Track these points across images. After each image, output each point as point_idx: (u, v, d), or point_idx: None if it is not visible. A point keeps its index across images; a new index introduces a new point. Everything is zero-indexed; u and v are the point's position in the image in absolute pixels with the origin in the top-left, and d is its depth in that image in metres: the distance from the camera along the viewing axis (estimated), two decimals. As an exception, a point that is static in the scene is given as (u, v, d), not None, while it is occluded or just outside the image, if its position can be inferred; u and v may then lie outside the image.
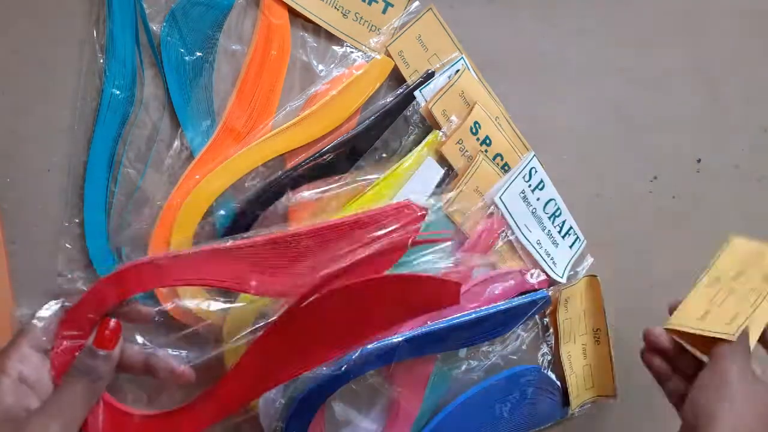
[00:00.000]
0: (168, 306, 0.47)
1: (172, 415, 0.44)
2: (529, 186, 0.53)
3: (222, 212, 0.49)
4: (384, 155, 0.52)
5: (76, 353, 0.40)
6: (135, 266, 0.41)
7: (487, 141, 0.52)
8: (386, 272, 0.44)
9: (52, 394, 0.38)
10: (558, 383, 0.57)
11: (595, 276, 0.56)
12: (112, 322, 0.40)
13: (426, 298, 0.46)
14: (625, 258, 0.59)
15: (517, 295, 0.53)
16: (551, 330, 0.57)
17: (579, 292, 0.56)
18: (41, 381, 0.39)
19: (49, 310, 0.41)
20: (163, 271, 0.41)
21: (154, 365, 0.43)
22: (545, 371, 0.57)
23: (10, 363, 0.37)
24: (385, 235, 0.43)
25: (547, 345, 0.57)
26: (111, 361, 0.40)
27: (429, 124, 0.52)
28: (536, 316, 0.56)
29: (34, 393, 0.38)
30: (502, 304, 0.52)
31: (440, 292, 0.46)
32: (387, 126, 0.51)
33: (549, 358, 0.57)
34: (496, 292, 0.53)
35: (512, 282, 0.53)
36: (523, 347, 0.56)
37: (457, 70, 0.52)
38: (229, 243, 0.42)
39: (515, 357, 0.56)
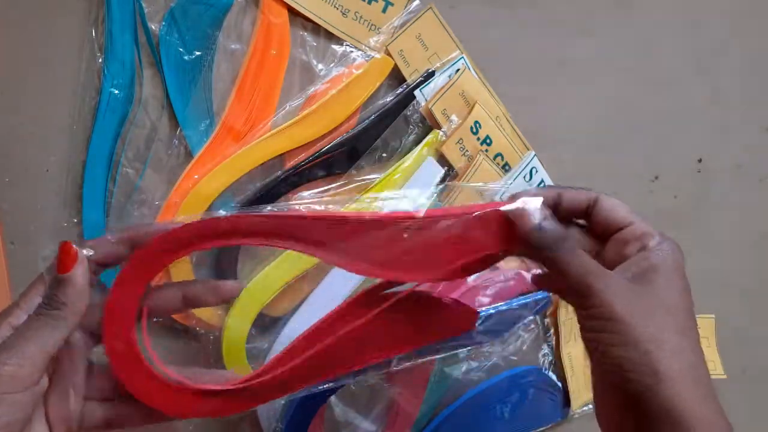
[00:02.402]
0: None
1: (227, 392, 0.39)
2: (530, 185, 0.53)
3: (221, 212, 0.49)
4: (384, 155, 0.52)
5: None
6: (217, 220, 0.36)
7: (488, 140, 0.52)
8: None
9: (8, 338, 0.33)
10: (559, 384, 0.57)
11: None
12: (71, 246, 0.34)
13: (444, 323, 0.43)
14: (625, 258, 0.59)
15: (517, 296, 0.53)
16: (552, 330, 0.57)
17: None
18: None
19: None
20: (240, 227, 0.36)
21: (195, 293, 0.38)
22: (546, 372, 0.57)
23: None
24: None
25: (548, 345, 0.57)
26: (72, 287, 0.33)
27: (429, 124, 0.52)
28: (537, 317, 0.56)
29: None
30: (502, 305, 0.51)
31: (460, 317, 0.43)
32: (387, 125, 0.51)
33: (550, 358, 0.57)
34: (497, 292, 0.52)
35: (512, 282, 0.53)
36: (524, 348, 0.56)
37: (458, 70, 0.52)
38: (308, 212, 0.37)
39: (515, 358, 0.56)
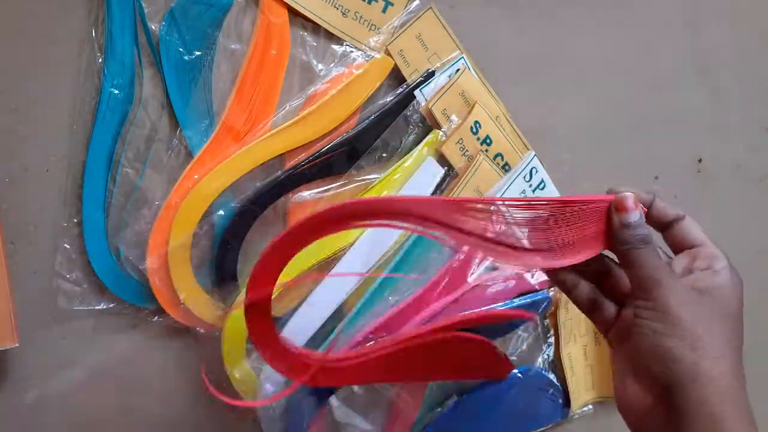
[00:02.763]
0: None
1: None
2: (530, 186, 0.53)
3: (221, 212, 0.49)
4: (384, 155, 0.52)
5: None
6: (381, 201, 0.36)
7: (488, 140, 0.52)
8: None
9: None
10: (558, 384, 0.57)
11: None
12: None
13: (486, 369, 0.51)
14: (625, 258, 0.59)
15: (517, 296, 0.53)
16: (552, 331, 0.57)
17: None
18: None
19: None
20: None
21: None
22: (546, 372, 0.57)
23: None
24: None
25: (548, 346, 0.57)
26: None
27: (429, 124, 0.52)
28: (537, 317, 0.56)
29: None
30: (502, 305, 0.52)
31: (497, 365, 0.50)
32: (387, 126, 0.51)
33: (550, 359, 0.57)
34: (498, 291, 0.52)
35: (513, 282, 0.53)
36: (524, 348, 0.56)
37: (458, 70, 0.52)
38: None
39: (515, 358, 0.56)
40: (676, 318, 0.33)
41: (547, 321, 0.57)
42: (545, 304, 0.54)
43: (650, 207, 0.38)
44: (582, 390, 0.58)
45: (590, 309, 0.39)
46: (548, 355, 0.57)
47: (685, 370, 0.33)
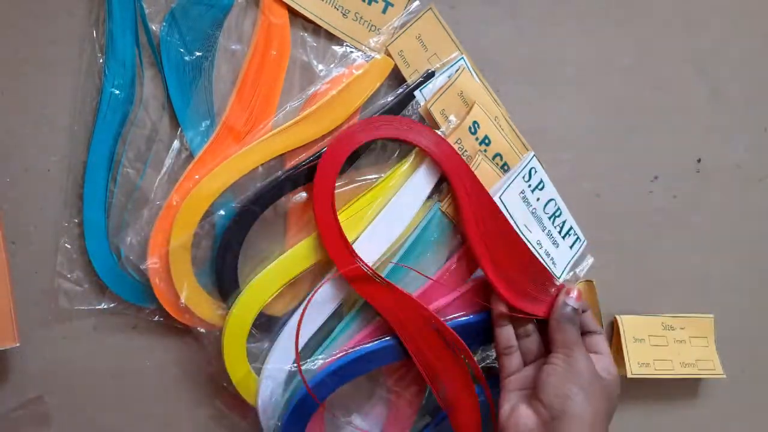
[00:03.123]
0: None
1: None
2: (529, 186, 0.53)
3: (222, 212, 0.49)
4: (383, 155, 0.52)
5: None
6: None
7: (486, 141, 0.52)
8: None
9: None
10: None
11: (591, 281, 0.56)
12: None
13: None
14: (625, 258, 0.59)
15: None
16: None
17: None
18: None
19: None
20: None
21: None
22: None
23: None
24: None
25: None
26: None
27: (428, 124, 0.52)
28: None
29: None
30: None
31: None
32: (387, 126, 0.51)
33: None
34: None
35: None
36: None
37: (457, 70, 0.52)
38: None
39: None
40: (582, 372, 0.46)
41: None
42: None
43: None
44: None
45: (508, 352, 0.50)
46: None
47: (573, 408, 0.44)
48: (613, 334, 0.59)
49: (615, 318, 0.58)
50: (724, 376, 0.59)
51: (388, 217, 0.50)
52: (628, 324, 0.58)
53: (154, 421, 0.52)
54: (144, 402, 0.51)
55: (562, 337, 0.48)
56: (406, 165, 0.51)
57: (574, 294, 0.49)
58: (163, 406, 0.52)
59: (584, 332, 0.50)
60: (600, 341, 0.50)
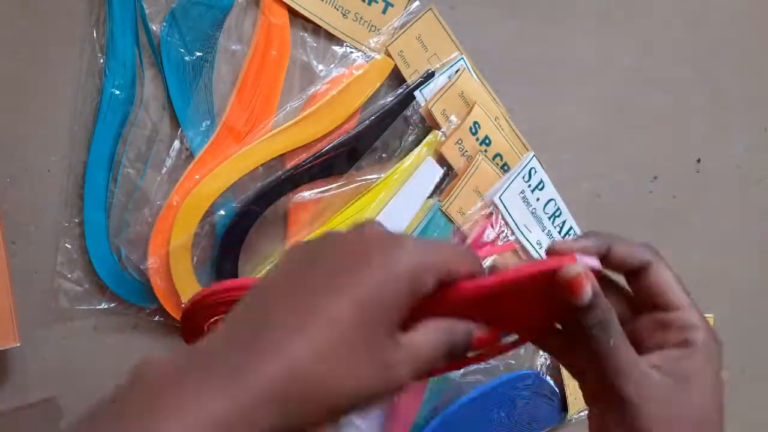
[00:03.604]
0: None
1: None
2: (529, 186, 0.53)
3: (222, 212, 0.49)
4: (384, 155, 0.52)
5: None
6: None
7: (487, 141, 0.52)
8: None
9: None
10: (556, 389, 0.57)
11: None
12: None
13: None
14: (625, 258, 0.59)
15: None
16: None
17: None
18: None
19: None
20: None
21: None
22: (544, 377, 0.57)
23: (428, 279, 0.26)
24: None
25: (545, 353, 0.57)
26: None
27: (428, 124, 0.53)
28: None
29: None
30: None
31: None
32: (387, 126, 0.51)
33: (547, 363, 0.57)
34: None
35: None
36: (521, 352, 0.56)
37: (457, 70, 0.52)
38: None
39: (513, 362, 0.56)
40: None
41: None
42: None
43: (608, 254, 0.31)
44: (580, 395, 0.58)
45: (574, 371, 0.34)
46: (545, 358, 0.57)
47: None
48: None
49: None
50: (724, 376, 0.59)
51: (388, 216, 0.50)
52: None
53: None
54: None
55: (596, 367, 0.29)
56: (407, 165, 0.51)
57: (577, 285, 0.27)
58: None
59: (627, 273, 0.32)
60: (659, 282, 0.32)
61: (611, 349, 0.28)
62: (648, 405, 0.28)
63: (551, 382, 0.57)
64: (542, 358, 0.57)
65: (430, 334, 0.26)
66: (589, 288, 0.27)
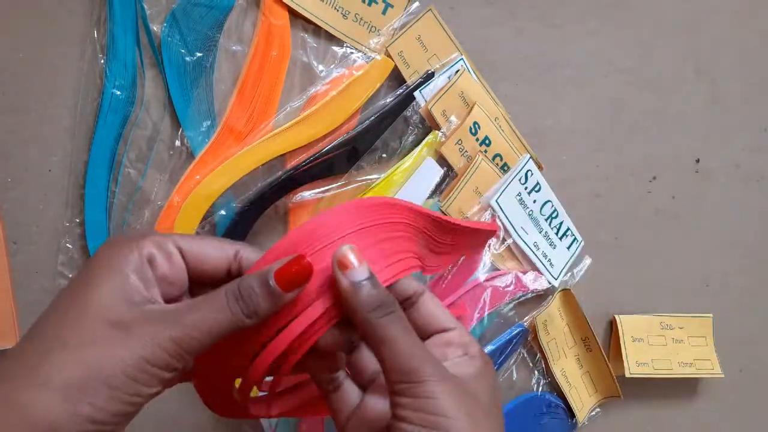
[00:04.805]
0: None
1: None
2: (526, 188, 0.53)
3: (222, 212, 0.49)
4: (384, 155, 0.52)
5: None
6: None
7: (487, 141, 0.52)
8: None
9: (189, 302, 0.29)
10: (560, 402, 0.57)
11: (568, 289, 0.56)
12: (307, 260, 0.29)
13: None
14: (624, 258, 0.59)
15: (513, 298, 0.54)
16: (539, 355, 0.57)
17: (556, 310, 0.56)
18: (174, 284, 0.30)
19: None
20: None
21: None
22: (544, 395, 0.57)
23: (146, 243, 0.29)
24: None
25: (538, 371, 0.57)
26: (276, 305, 0.29)
27: (428, 125, 0.53)
28: (520, 348, 0.56)
29: (160, 289, 0.30)
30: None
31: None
32: (387, 126, 0.51)
33: (543, 381, 0.57)
34: (494, 294, 0.53)
35: (511, 284, 0.53)
36: (515, 379, 0.56)
37: (457, 71, 0.52)
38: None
39: (512, 390, 0.56)
40: (452, 421, 0.27)
41: (524, 351, 0.57)
42: (521, 335, 0.55)
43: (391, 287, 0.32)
44: (585, 397, 0.58)
45: (328, 387, 0.34)
46: (540, 378, 0.57)
47: None
48: (612, 333, 0.59)
49: (614, 317, 0.59)
50: (723, 375, 0.59)
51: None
52: (626, 324, 0.58)
53: (155, 422, 0.52)
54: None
55: (390, 357, 0.29)
56: (407, 165, 0.51)
57: (351, 258, 0.29)
58: (163, 407, 0.52)
59: (405, 301, 0.33)
60: (432, 309, 0.33)
61: (403, 332, 0.30)
62: (451, 395, 0.28)
63: (553, 398, 0.57)
64: (537, 380, 0.57)
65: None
66: (364, 266, 0.30)
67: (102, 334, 0.27)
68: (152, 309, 0.28)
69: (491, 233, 0.40)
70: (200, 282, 0.32)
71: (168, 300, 0.30)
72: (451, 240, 0.39)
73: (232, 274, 0.32)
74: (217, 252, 0.31)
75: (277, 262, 0.29)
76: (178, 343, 0.27)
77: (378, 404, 0.32)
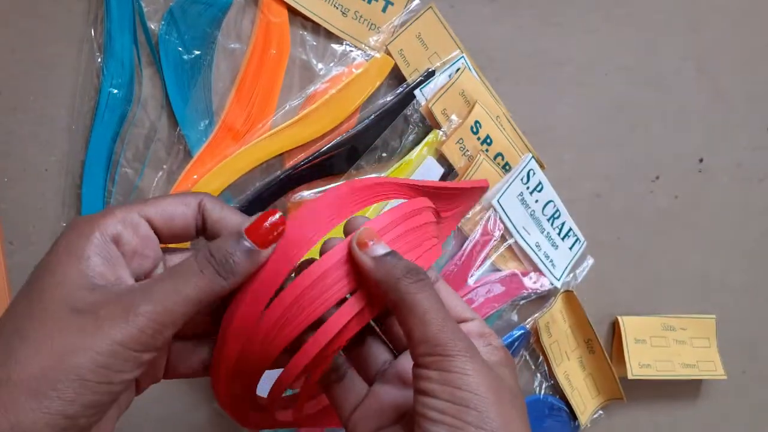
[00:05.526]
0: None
1: None
2: (527, 188, 0.53)
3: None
4: (384, 155, 0.52)
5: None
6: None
7: (488, 140, 0.52)
8: None
9: (164, 271, 0.28)
10: (563, 405, 0.57)
11: (571, 291, 0.56)
12: (278, 215, 0.29)
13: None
14: (626, 258, 0.59)
15: (512, 298, 0.53)
16: (541, 358, 0.57)
17: (559, 312, 0.56)
18: (147, 257, 0.29)
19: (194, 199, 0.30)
20: None
21: None
22: (547, 398, 0.57)
23: (109, 221, 0.28)
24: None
25: (541, 374, 0.57)
26: (255, 262, 0.28)
27: (429, 124, 0.52)
28: (522, 350, 0.56)
29: (128, 266, 0.28)
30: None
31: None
32: (387, 125, 0.51)
33: (545, 384, 0.57)
34: (494, 296, 0.52)
35: (510, 284, 0.53)
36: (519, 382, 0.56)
37: (458, 69, 0.52)
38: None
39: None
40: (482, 399, 0.26)
41: (526, 354, 0.57)
42: (523, 337, 0.54)
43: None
44: (587, 400, 0.58)
45: (331, 377, 0.33)
46: (543, 381, 0.57)
47: None
48: (614, 334, 0.59)
49: (616, 319, 0.58)
50: (726, 377, 0.59)
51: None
52: (629, 325, 0.58)
53: (152, 423, 0.52)
54: (141, 404, 0.51)
55: (417, 328, 0.27)
56: (407, 164, 0.51)
57: (368, 235, 0.29)
58: (160, 409, 0.51)
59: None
60: (448, 299, 0.32)
61: (432, 300, 0.28)
62: (483, 374, 0.27)
63: (555, 401, 0.57)
64: (540, 383, 0.57)
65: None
66: (380, 241, 0.29)
67: (66, 323, 0.25)
68: (119, 289, 0.27)
69: (484, 190, 0.38)
70: (174, 243, 0.31)
71: (142, 274, 0.29)
72: (445, 206, 0.37)
73: (197, 227, 0.30)
74: (183, 207, 0.30)
75: (246, 219, 0.29)
76: (152, 318, 0.26)
77: (390, 393, 0.31)
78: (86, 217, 0.28)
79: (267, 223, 0.28)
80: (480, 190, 0.38)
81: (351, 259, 0.29)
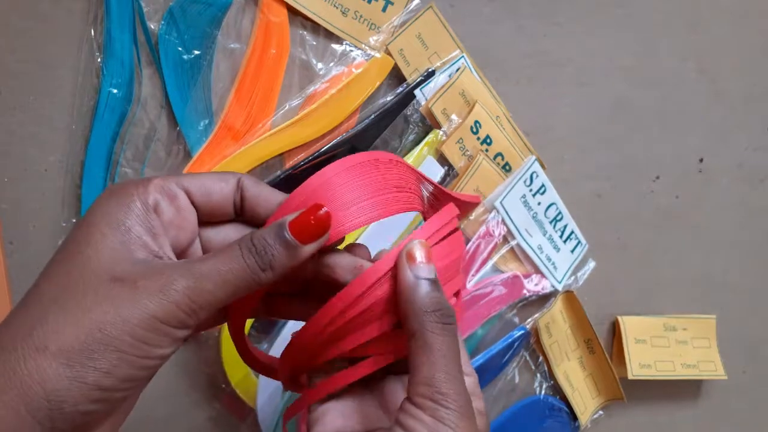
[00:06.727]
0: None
1: None
2: (530, 190, 0.52)
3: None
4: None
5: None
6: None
7: (488, 140, 0.52)
8: None
9: (200, 256, 0.28)
10: (563, 405, 0.57)
11: (571, 291, 0.56)
12: (324, 210, 0.28)
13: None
14: (627, 258, 0.59)
15: (513, 300, 0.53)
16: (541, 357, 0.57)
17: (559, 313, 0.56)
18: (184, 229, 0.29)
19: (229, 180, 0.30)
20: None
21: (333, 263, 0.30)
22: (547, 398, 0.56)
23: (150, 188, 0.27)
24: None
25: (541, 374, 0.57)
26: (294, 258, 0.27)
27: (429, 123, 0.52)
28: (522, 351, 0.56)
29: (167, 238, 0.28)
30: (480, 357, 0.52)
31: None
32: (387, 125, 0.51)
33: (545, 384, 0.57)
34: (495, 297, 0.52)
35: (512, 286, 0.53)
36: (517, 382, 0.56)
37: (458, 69, 0.51)
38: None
39: (514, 393, 0.56)
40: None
41: (528, 353, 0.57)
42: (523, 338, 0.54)
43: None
44: (588, 400, 0.57)
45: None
46: (543, 381, 0.57)
47: None
48: (615, 335, 0.59)
49: (616, 319, 0.58)
50: (726, 377, 0.59)
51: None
52: (629, 325, 0.58)
53: (153, 422, 0.51)
54: (142, 404, 0.51)
55: (430, 364, 0.27)
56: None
57: (419, 254, 0.28)
58: (161, 408, 0.51)
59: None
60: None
61: (453, 346, 0.28)
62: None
63: (555, 401, 0.57)
64: (540, 383, 0.57)
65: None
66: (432, 264, 0.29)
67: (105, 293, 0.24)
68: (160, 263, 0.26)
69: (474, 205, 0.37)
70: (209, 221, 0.30)
71: (178, 247, 0.29)
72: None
73: (236, 205, 0.30)
74: (221, 183, 0.29)
75: (292, 213, 0.28)
76: (191, 297, 0.25)
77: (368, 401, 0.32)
78: (124, 183, 0.27)
79: (313, 219, 0.27)
80: (472, 206, 0.37)
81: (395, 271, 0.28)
